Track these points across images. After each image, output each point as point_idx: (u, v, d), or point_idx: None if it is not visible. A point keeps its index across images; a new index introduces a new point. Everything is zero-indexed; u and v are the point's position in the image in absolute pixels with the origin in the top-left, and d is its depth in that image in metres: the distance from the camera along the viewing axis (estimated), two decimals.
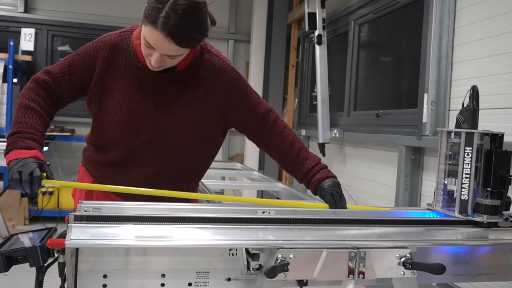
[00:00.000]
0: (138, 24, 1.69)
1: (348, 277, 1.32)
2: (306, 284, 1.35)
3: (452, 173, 1.59)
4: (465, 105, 1.60)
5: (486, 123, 2.60)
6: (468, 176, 1.53)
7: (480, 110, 1.60)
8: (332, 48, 4.89)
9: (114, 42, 1.70)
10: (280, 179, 5.90)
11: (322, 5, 4.57)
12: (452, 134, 1.60)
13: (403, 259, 1.34)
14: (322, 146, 4.65)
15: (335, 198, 1.65)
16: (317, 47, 4.57)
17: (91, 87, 1.70)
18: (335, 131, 4.51)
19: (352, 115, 4.52)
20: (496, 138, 1.55)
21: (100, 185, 1.75)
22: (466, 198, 1.54)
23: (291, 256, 1.26)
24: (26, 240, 1.36)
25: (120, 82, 1.68)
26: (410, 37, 3.74)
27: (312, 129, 5.12)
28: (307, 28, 4.67)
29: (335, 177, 1.75)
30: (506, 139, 1.58)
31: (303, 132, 5.52)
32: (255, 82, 6.20)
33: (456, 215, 1.56)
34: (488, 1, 2.82)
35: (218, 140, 1.87)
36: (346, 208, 1.65)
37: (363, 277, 1.33)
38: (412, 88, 3.51)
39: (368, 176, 4.14)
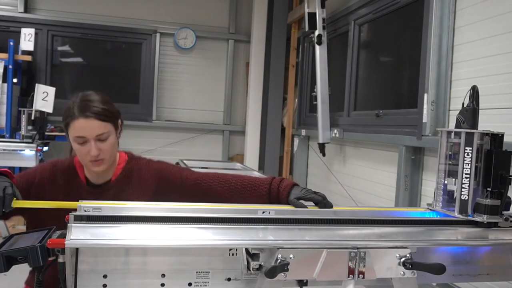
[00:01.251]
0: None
1: (348, 277, 1.32)
2: (306, 284, 1.36)
3: (452, 173, 1.58)
4: (465, 105, 1.60)
5: (486, 123, 2.60)
6: (468, 176, 1.53)
7: (480, 110, 1.60)
8: (332, 48, 4.89)
9: (52, 165, 1.86)
10: None
11: (322, 5, 4.57)
12: (452, 134, 1.60)
13: (403, 259, 1.34)
14: (322, 146, 4.65)
15: (323, 197, 1.69)
16: (317, 47, 4.57)
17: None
18: (335, 131, 4.51)
19: (352, 115, 4.52)
20: (496, 138, 1.55)
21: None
22: (466, 198, 1.54)
23: (291, 256, 1.27)
24: (26, 240, 1.36)
25: (59, 199, 1.65)
26: (410, 37, 3.74)
27: (312, 129, 5.12)
28: (307, 28, 4.67)
29: None
30: (506, 139, 1.58)
31: (303, 132, 5.51)
32: (255, 82, 6.20)
33: (456, 215, 1.55)
34: (488, 1, 2.82)
35: None
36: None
37: (363, 277, 1.33)
38: (412, 88, 3.51)
39: (368, 176, 4.14)
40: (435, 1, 3.10)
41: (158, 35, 6.21)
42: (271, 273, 1.23)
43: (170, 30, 6.25)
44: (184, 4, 6.32)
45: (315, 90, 4.69)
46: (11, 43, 5.17)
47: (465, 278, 1.53)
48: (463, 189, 1.54)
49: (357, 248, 1.32)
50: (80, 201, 1.43)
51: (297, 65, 5.96)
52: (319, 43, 4.54)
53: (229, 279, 1.32)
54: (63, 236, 1.24)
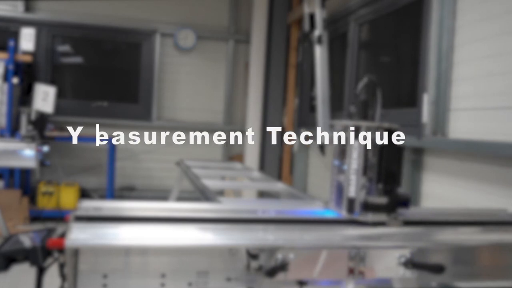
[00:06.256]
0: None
1: (348, 276, 1.32)
2: (306, 284, 1.36)
3: (343, 169, 1.47)
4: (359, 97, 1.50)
5: (486, 123, 2.61)
6: (356, 172, 1.42)
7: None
8: (332, 48, 4.88)
9: None
10: (280, 179, 5.90)
11: (322, 5, 4.57)
12: (344, 127, 1.48)
13: (403, 259, 1.34)
14: (322, 146, 4.64)
15: None
16: (317, 47, 4.56)
17: None
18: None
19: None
20: (389, 133, 1.43)
21: None
22: (353, 196, 1.43)
23: (291, 256, 1.27)
24: (26, 240, 1.36)
25: None
26: (410, 37, 3.74)
27: (312, 129, 5.12)
28: (307, 28, 4.67)
29: None
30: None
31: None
32: (255, 82, 6.20)
33: (343, 213, 1.47)
34: (488, 0, 2.82)
35: None
36: None
37: (363, 277, 1.33)
38: (412, 88, 3.51)
39: None
40: (435, 1, 3.10)
41: (158, 35, 6.21)
42: (271, 273, 1.23)
43: (170, 30, 6.24)
44: (184, 4, 6.32)
45: (315, 90, 4.69)
46: (12, 43, 5.17)
47: (465, 278, 1.53)
48: (350, 186, 1.44)
49: (357, 248, 1.32)
50: (80, 201, 1.44)
51: (297, 65, 5.96)
52: (319, 43, 4.54)
53: (229, 279, 1.32)
54: (63, 236, 1.24)
